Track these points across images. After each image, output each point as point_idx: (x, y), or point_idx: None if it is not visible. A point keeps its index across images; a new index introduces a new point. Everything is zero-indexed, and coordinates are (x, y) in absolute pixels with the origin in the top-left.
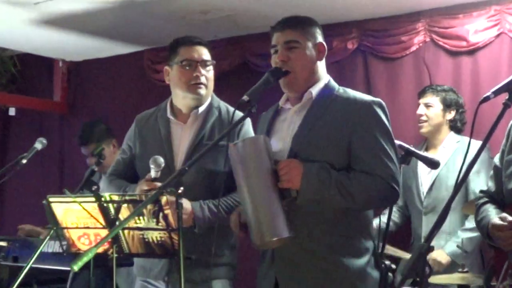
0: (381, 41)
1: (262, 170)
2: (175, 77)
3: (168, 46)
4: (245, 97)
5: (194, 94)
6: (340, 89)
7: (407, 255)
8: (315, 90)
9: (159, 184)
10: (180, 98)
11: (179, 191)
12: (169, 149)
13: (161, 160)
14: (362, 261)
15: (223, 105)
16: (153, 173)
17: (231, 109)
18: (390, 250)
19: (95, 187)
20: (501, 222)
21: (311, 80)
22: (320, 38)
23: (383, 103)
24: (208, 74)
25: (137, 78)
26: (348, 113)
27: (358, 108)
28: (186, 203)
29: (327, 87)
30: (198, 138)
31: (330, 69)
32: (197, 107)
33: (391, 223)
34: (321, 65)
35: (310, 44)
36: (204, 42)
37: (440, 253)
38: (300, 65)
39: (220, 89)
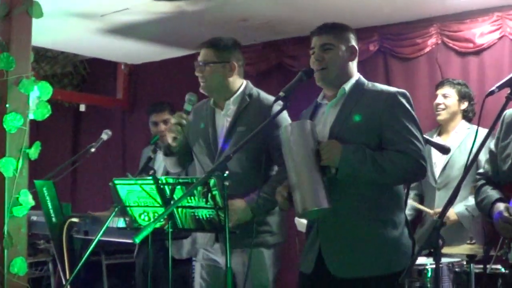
0: (399, 43)
1: (308, 149)
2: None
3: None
4: (281, 93)
5: (203, 92)
6: (369, 84)
7: (430, 211)
8: (348, 86)
9: (184, 120)
10: (217, 98)
11: (225, 173)
12: (213, 133)
13: (194, 96)
14: (397, 232)
15: (255, 91)
16: (186, 105)
17: (263, 93)
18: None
19: (152, 171)
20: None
21: (343, 78)
22: (353, 42)
23: (407, 93)
24: (204, 74)
25: (188, 78)
26: (377, 103)
27: (385, 98)
28: (239, 201)
29: (358, 83)
30: (231, 123)
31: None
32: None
33: (411, 212)
34: (353, 65)
35: (343, 47)
36: (208, 43)
37: (449, 211)
38: (333, 63)
39: (258, 87)
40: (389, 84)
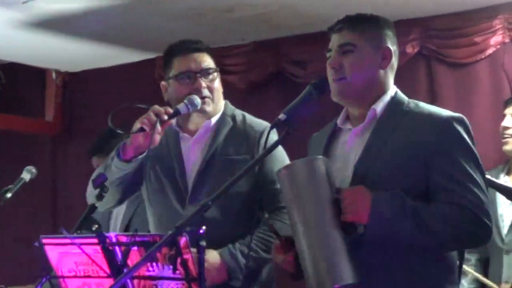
0: (448, 43)
1: (321, 199)
2: (173, 94)
3: (162, 57)
4: (281, 116)
5: (199, 113)
6: (410, 103)
7: (494, 286)
8: (379, 107)
9: (166, 117)
10: (185, 118)
11: (201, 230)
12: (180, 167)
13: (198, 100)
14: None
15: (239, 113)
16: (181, 106)
17: (250, 116)
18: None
19: (96, 225)
20: None
21: (372, 93)
22: (388, 42)
23: (465, 120)
24: (212, 84)
25: (147, 91)
26: (422, 132)
27: (434, 126)
28: (212, 256)
29: (394, 101)
30: (210, 152)
31: None
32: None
33: (472, 286)
34: (386, 75)
35: (370, 48)
36: (203, 46)
37: None
38: (355, 72)
39: (248, 104)
40: (433, 101)
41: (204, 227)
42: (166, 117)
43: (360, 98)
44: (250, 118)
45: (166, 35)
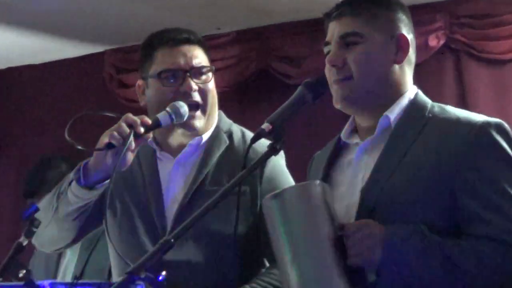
0: (483, 33)
1: (320, 238)
2: (153, 98)
3: (140, 48)
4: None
5: (185, 126)
6: (435, 107)
7: None
8: (394, 113)
9: (142, 129)
10: (165, 131)
11: (161, 277)
12: (156, 199)
13: (184, 109)
14: None
15: (237, 128)
16: (162, 115)
17: (248, 132)
18: None
19: (24, 271)
20: None
21: (385, 96)
22: (403, 29)
23: (505, 125)
24: (206, 88)
25: (94, 95)
26: (449, 144)
27: (465, 135)
28: None
29: (414, 105)
30: (199, 180)
31: None
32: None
33: None
34: (403, 72)
35: (381, 38)
36: (195, 37)
37: None
38: (362, 70)
39: (226, 112)
40: (463, 106)
41: (164, 273)
42: (142, 130)
43: (370, 104)
44: (250, 134)
45: (118, 23)
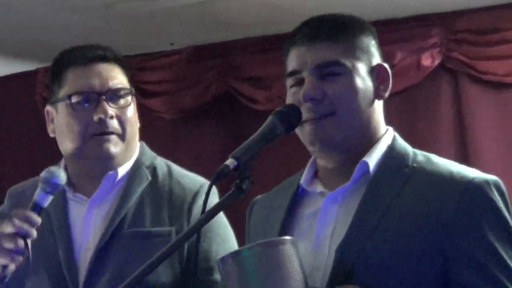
0: (485, 51)
1: None
2: (63, 127)
3: (47, 69)
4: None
5: (99, 153)
6: (417, 155)
7: None
8: (373, 160)
9: (39, 219)
10: (76, 164)
11: None
12: (66, 250)
13: (60, 175)
14: None
15: (162, 163)
16: (39, 194)
17: (177, 168)
18: None
19: None
20: None
21: (366, 138)
22: (379, 56)
23: (502, 184)
24: (124, 113)
25: (25, 116)
26: (439, 203)
27: (459, 194)
28: None
29: (394, 152)
30: (116, 221)
31: (388, 105)
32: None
33: None
34: (380, 109)
35: (363, 68)
36: (112, 55)
37: None
38: (347, 105)
39: (178, 143)
40: (463, 135)
41: None
42: (34, 232)
43: (352, 146)
44: (178, 171)
45: (54, 37)
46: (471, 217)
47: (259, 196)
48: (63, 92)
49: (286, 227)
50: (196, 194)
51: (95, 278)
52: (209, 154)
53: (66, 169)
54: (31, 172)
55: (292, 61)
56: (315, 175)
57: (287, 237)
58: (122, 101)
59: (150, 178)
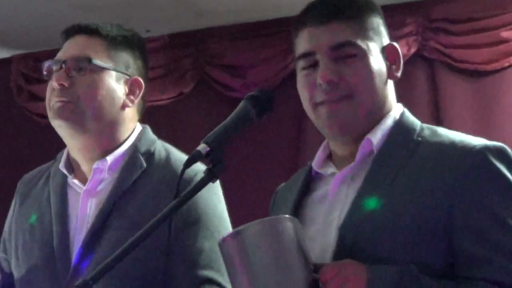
0: (461, 40)
1: (291, 282)
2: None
3: (22, 57)
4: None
5: (53, 120)
6: (424, 129)
7: None
8: (377, 137)
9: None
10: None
11: None
12: (61, 236)
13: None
14: None
15: (161, 147)
16: None
17: (175, 152)
18: None
19: None
20: None
21: (376, 118)
22: (387, 36)
23: (507, 150)
24: (80, 81)
25: (0, 108)
26: (442, 173)
27: (461, 163)
28: None
29: (400, 127)
30: (105, 212)
31: None
32: (103, 153)
33: None
34: (392, 88)
35: (375, 48)
36: (91, 27)
37: None
38: (365, 87)
39: (156, 127)
40: (439, 124)
41: None
42: None
43: (364, 127)
44: (176, 157)
45: (28, 25)
46: (474, 185)
47: (281, 185)
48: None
49: (298, 210)
50: (189, 181)
51: (82, 269)
52: (186, 142)
53: (69, 153)
54: (6, 159)
55: (303, 43)
56: (329, 157)
57: (285, 215)
58: (82, 71)
59: (144, 166)
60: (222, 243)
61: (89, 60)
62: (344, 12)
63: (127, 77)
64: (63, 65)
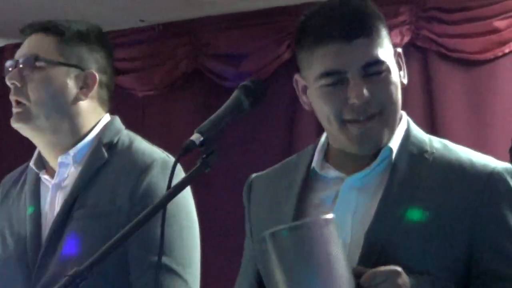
0: (455, 30)
1: (338, 282)
2: None
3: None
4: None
5: (12, 124)
6: (433, 141)
7: None
8: (395, 145)
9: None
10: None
11: None
12: (33, 230)
13: None
14: None
15: (126, 137)
16: None
17: (140, 141)
18: None
19: None
20: None
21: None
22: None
23: None
24: (31, 79)
25: None
26: (463, 192)
27: (482, 182)
28: None
29: (411, 137)
30: (68, 204)
31: None
32: (67, 147)
33: None
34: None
35: (393, 60)
36: (43, 25)
37: None
38: (393, 104)
39: (149, 121)
40: (432, 114)
41: None
42: None
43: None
44: (138, 146)
45: (21, 14)
46: (494, 204)
47: (256, 174)
48: None
49: (300, 211)
50: (145, 170)
51: (48, 260)
52: (179, 131)
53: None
54: None
55: (327, 60)
56: (324, 158)
57: (330, 215)
58: (34, 71)
59: (106, 156)
60: (262, 241)
61: (36, 57)
62: (368, 26)
63: (80, 71)
64: (16, 65)
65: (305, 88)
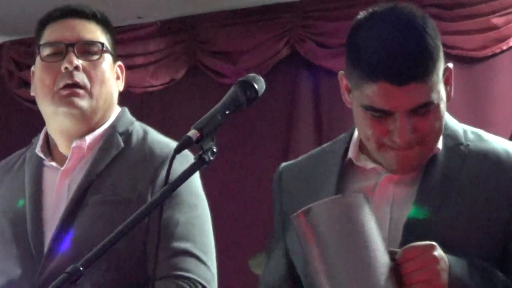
0: (453, 26)
1: (377, 264)
2: (37, 82)
3: (12, 43)
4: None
5: (66, 107)
6: (468, 133)
7: None
8: (439, 143)
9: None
10: (50, 121)
11: None
12: (34, 213)
13: None
14: None
15: (139, 128)
16: None
17: (153, 133)
18: None
19: None
20: None
21: None
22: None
23: None
24: (93, 68)
25: None
26: (500, 181)
27: None
28: None
29: (447, 130)
30: (81, 191)
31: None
32: (83, 133)
33: None
34: None
35: (443, 89)
36: (90, 11)
37: None
38: (436, 134)
39: (148, 117)
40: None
41: None
42: None
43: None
44: (154, 137)
45: (19, 11)
46: None
47: (285, 163)
48: (40, 48)
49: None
50: (163, 161)
51: (58, 247)
52: (178, 128)
53: (46, 137)
54: None
55: (375, 98)
56: (359, 149)
57: (361, 194)
58: (94, 57)
59: (122, 145)
60: (297, 218)
61: (102, 44)
62: (423, 70)
63: (117, 62)
64: (72, 48)
65: (348, 89)
